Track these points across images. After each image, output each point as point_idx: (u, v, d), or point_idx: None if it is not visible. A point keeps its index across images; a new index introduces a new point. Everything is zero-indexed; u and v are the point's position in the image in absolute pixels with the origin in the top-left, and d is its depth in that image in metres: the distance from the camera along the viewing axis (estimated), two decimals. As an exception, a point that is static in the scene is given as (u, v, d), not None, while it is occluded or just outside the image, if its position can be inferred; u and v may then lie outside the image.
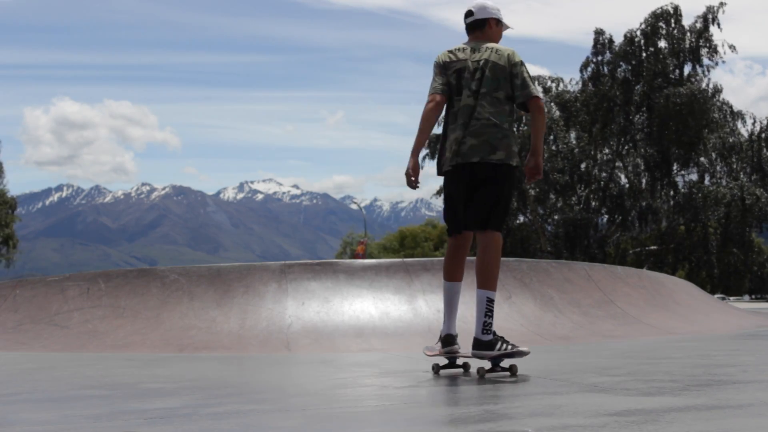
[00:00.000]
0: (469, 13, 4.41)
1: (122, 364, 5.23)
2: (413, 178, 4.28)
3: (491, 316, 4.04)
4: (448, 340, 4.26)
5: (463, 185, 4.22)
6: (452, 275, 4.33)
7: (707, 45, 30.89)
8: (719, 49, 30.90)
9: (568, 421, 2.50)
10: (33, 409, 3.23)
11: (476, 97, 4.19)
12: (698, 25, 30.86)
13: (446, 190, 4.37)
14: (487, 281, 4.08)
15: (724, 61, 31.17)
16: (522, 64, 4.22)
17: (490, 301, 4.05)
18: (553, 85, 33.46)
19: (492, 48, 4.25)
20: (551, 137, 31.72)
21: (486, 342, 4.00)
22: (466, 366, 4.30)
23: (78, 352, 6.06)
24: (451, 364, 4.32)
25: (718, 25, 30.78)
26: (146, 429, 2.62)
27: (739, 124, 31.83)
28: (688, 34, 30.90)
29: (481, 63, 4.21)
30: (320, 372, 4.64)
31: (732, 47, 30.82)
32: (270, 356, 5.72)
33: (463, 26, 4.50)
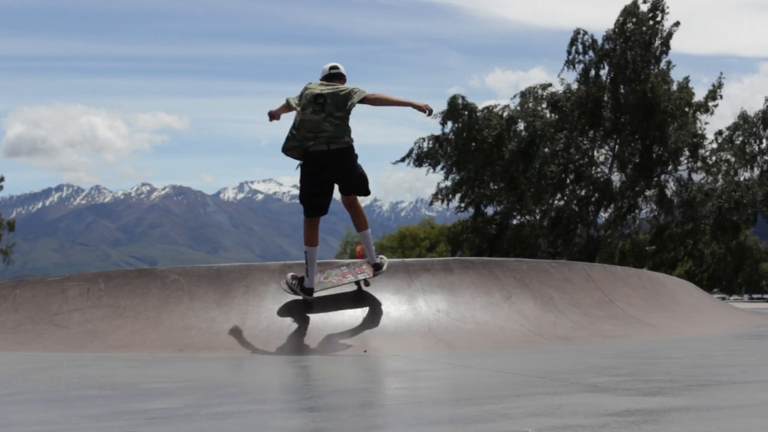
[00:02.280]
0: (335, 67, 6.46)
1: (122, 364, 5.23)
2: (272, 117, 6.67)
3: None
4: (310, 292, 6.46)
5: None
6: (314, 242, 6.47)
7: (659, 33, 31.52)
8: (672, 31, 31.54)
9: (568, 421, 2.50)
10: (33, 409, 3.23)
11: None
12: (649, 14, 31.61)
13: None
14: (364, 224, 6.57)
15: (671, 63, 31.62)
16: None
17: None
18: (543, 92, 33.97)
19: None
20: (547, 138, 31.88)
21: (378, 264, 6.60)
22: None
23: (78, 353, 6.06)
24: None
25: (663, 10, 31.42)
26: (146, 429, 2.62)
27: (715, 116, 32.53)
28: (645, 26, 31.53)
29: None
30: (320, 372, 4.64)
31: (677, 24, 31.44)
32: (270, 356, 5.72)
33: None
